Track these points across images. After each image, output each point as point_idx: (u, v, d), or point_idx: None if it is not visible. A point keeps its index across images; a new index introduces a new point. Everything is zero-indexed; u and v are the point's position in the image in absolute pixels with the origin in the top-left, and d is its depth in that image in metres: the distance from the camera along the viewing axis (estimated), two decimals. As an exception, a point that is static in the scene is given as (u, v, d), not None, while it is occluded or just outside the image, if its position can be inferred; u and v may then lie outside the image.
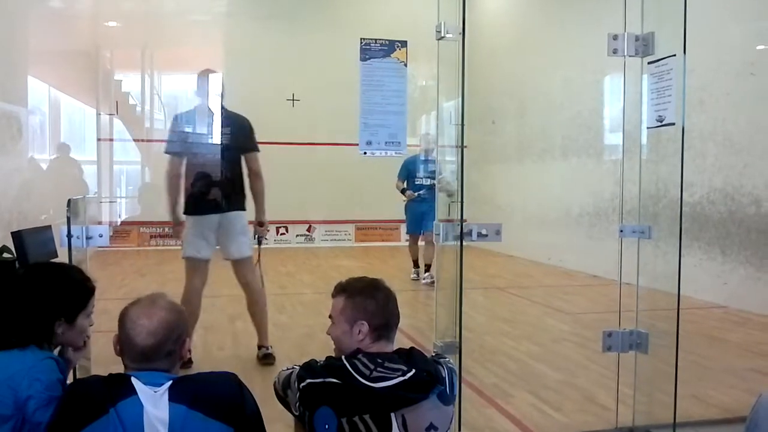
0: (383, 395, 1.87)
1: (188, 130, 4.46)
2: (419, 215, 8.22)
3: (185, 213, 4.50)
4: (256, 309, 4.66)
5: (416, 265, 8.56)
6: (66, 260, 2.70)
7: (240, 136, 4.50)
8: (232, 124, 4.50)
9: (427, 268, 8.17)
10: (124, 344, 1.85)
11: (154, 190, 11.84)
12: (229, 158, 4.48)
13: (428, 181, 8.05)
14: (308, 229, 11.87)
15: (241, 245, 4.54)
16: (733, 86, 6.73)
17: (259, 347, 4.64)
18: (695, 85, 6.54)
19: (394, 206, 11.79)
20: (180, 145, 4.44)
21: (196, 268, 4.49)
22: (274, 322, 5.38)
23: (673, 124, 3.24)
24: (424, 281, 8.11)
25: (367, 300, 2.07)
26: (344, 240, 12.46)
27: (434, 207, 7.53)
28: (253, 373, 4.30)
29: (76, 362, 2.28)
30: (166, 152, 4.49)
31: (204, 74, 4.61)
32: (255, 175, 4.57)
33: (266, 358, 4.52)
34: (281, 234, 11.92)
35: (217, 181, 4.44)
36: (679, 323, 3.22)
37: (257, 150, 4.59)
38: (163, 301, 1.91)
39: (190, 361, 3.74)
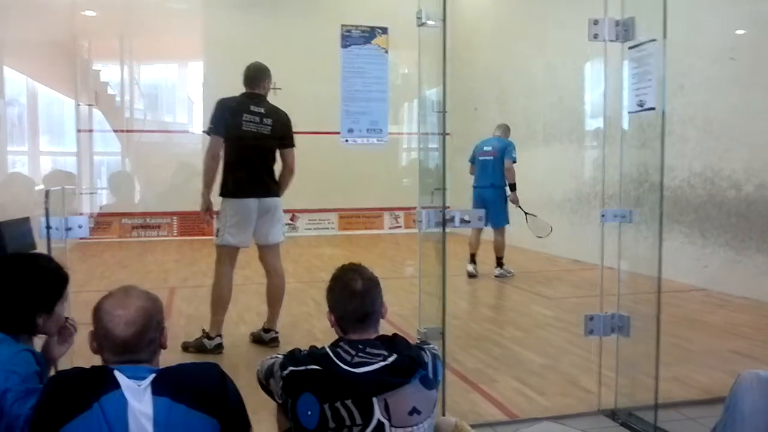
0: (365, 380, 1.88)
1: (232, 115, 4.53)
2: (482, 203, 7.62)
3: (225, 196, 4.61)
4: (277, 293, 4.85)
5: (473, 259, 7.76)
6: (45, 252, 2.67)
7: (280, 129, 4.67)
8: (274, 117, 4.64)
9: (499, 261, 7.76)
10: (102, 338, 1.82)
11: (127, 178, 11.75)
12: (269, 147, 4.67)
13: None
14: (291, 219, 11.84)
15: (277, 232, 4.79)
16: (712, 71, 6.78)
17: (268, 330, 4.82)
18: (675, 70, 6.57)
19: (377, 194, 11.83)
20: (223, 127, 4.52)
21: (231, 254, 4.68)
22: (258, 311, 5.39)
23: (654, 108, 3.25)
24: (497, 276, 7.68)
25: (330, 293, 2.12)
26: (328, 228, 12.45)
27: (503, 196, 7.56)
28: (236, 362, 4.30)
29: (61, 355, 2.27)
30: (209, 133, 4.59)
31: (253, 65, 4.69)
32: (289, 170, 4.78)
33: (273, 342, 4.77)
34: (264, 223, 11.85)
35: (258, 166, 4.61)
36: (661, 306, 3.25)
37: (294, 146, 4.78)
38: (137, 291, 1.89)
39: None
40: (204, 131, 4.69)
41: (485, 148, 7.82)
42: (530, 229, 7.74)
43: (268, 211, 4.69)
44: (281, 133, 4.68)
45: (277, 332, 4.80)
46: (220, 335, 4.59)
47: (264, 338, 4.79)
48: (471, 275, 7.65)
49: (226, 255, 4.66)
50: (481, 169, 7.79)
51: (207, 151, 4.57)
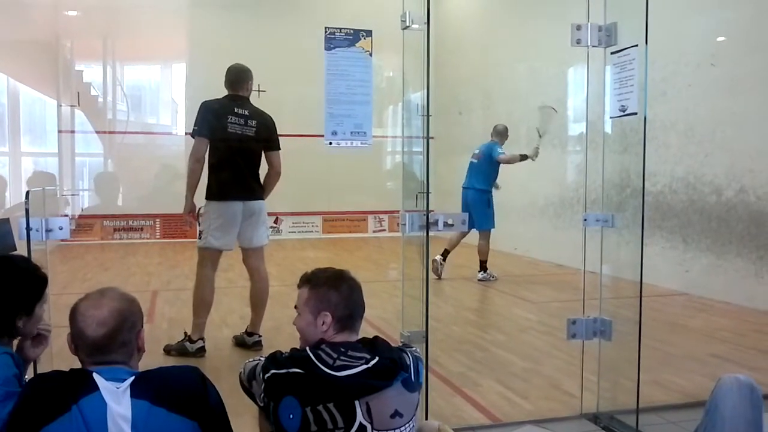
0: (347, 383, 1.87)
1: (216, 117, 4.51)
2: (465, 203, 7.79)
3: (210, 198, 4.57)
4: (261, 297, 4.82)
5: (445, 256, 7.70)
6: (25, 254, 2.64)
7: (265, 132, 4.66)
8: (259, 120, 4.63)
9: (482, 265, 7.73)
10: (76, 339, 1.82)
11: (112, 179, 11.67)
12: (254, 150, 4.64)
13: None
14: (275, 222, 11.81)
15: (261, 234, 4.77)
16: (694, 77, 6.84)
17: (251, 333, 4.80)
18: (657, 75, 6.64)
19: (361, 197, 11.82)
20: (208, 129, 4.49)
21: (214, 256, 4.64)
22: (241, 314, 5.37)
23: (636, 113, 3.27)
24: (480, 280, 7.66)
25: (331, 291, 2.07)
26: (312, 232, 12.43)
27: (485, 199, 7.59)
28: (219, 366, 4.28)
29: (36, 357, 2.24)
30: (193, 135, 4.55)
31: (234, 68, 4.68)
32: (276, 172, 4.78)
33: (256, 345, 4.73)
34: (248, 226, 11.80)
35: (243, 169, 4.59)
36: (642, 310, 3.26)
37: (280, 148, 4.78)
38: (113, 293, 1.88)
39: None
40: (188, 133, 4.66)
41: (475, 151, 7.97)
42: (545, 123, 7.68)
43: (253, 214, 4.67)
44: (266, 136, 4.67)
45: (260, 336, 4.77)
46: (202, 338, 4.56)
47: (247, 341, 4.76)
48: (435, 269, 7.46)
49: (209, 257, 4.62)
50: (468, 170, 7.92)
51: (192, 153, 4.54)
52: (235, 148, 4.53)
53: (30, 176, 10.36)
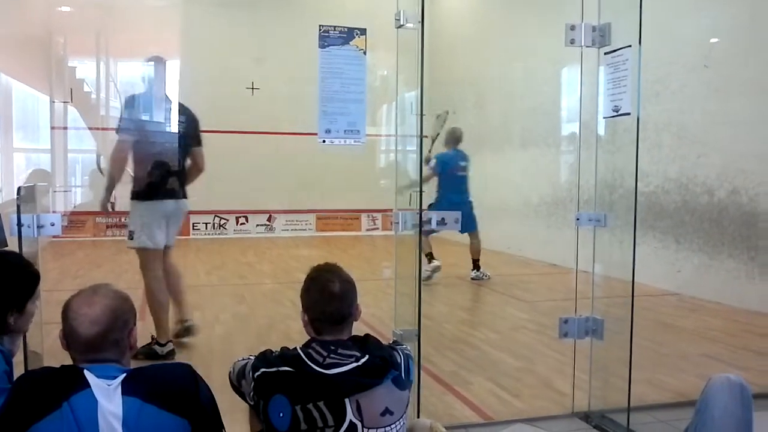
0: (336, 381, 1.88)
1: (144, 113, 4.42)
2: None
3: (140, 199, 4.42)
4: (179, 286, 4.70)
5: (431, 259, 7.55)
6: (16, 249, 2.64)
7: (193, 127, 4.55)
8: (186, 116, 4.51)
9: (475, 263, 7.74)
10: (68, 336, 1.80)
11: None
12: (183, 146, 4.51)
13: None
14: (268, 219, 11.79)
15: (177, 232, 4.67)
16: (687, 78, 6.86)
17: (184, 321, 4.67)
18: (651, 77, 6.65)
19: (355, 196, 11.82)
20: (134, 127, 4.37)
21: (154, 257, 4.47)
22: (233, 312, 5.36)
23: (629, 114, 3.28)
24: (474, 278, 7.68)
25: (305, 292, 2.08)
26: (305, 229, 12.41)
27: (471, 205, 7.53)
28: (210, 363, 4.26)
29: (16, 351, 2.23)
30: (119, 132, 4.39)
31: (158, 60, 4.60)
32: (200, 170, 4.65)
33: (188, 331, 4.63)
34: (241, 224, 11.82)
35: (175, 168, 4.46)
36: (634, 310, 3.27)
37: (202, 145, 4.65)
38: (106, 290, 1.86)
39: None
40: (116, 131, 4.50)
41: (461, 164, 7.71)
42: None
43: (179, 213, 4.59)
44: (194, 131, 4.55)
45: (191, 320, 4.67)
46: (171, 341, 4.45)
47: (183, 327, 4.66)
48: (429, 277, 7.41)
49: (151, 257, 4.46)
50: (458, 185, 7.61)
51: (116, 150, 4.35)
52: (166, 145, 4.40)
53: (28, 173, 10.32)
